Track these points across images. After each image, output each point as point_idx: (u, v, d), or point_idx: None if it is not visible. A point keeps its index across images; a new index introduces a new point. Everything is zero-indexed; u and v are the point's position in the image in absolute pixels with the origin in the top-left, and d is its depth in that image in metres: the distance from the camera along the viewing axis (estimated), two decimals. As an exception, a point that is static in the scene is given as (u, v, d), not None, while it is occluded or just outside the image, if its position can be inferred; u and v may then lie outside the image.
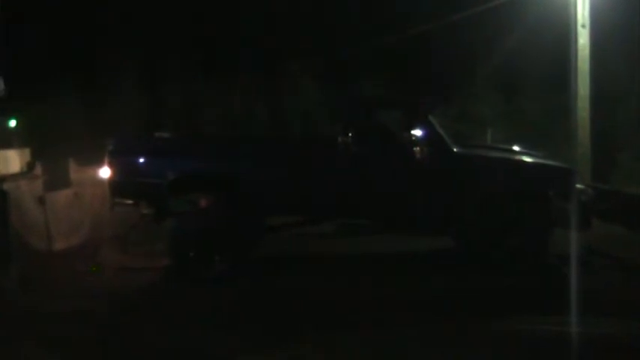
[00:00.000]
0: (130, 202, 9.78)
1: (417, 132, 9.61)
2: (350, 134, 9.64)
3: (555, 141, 16.22)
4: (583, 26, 14.41)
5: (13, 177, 10.30)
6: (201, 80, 17.74)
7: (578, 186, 9.92)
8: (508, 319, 7.43)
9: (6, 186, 9.73)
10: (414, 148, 9.43)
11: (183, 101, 17.68)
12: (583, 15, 14.41)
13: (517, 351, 6.52)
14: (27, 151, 11.11)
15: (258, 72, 17.78)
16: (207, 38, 17.67)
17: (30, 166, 10.82)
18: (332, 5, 18.07)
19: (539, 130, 16.78)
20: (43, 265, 9.57)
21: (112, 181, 9.51)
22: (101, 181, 10.13)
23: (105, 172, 9.60)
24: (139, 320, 7.54)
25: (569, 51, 14.34)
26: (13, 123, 14.09)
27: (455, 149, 9.60)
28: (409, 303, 8.17)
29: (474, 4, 15.45)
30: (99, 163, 9.95)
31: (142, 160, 9.51)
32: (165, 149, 9.77)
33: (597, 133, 15.02)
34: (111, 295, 8.56)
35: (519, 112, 17.04)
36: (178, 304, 8.25)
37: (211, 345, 6.82)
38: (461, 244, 10.05)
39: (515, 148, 11.21)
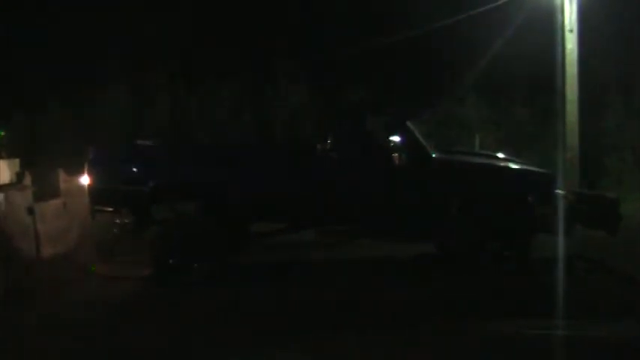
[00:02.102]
0: (110, 209, 9.83)
1: (396, 138, 9.68)
2: (329, 141, 9.65)
3: (544, 145, 16.26)
4: (570, 31, 14.47)
5: (3, 187, 10.27)
6: (189, 86, 17.68)
7: (560, 191, 10.02)
8: (499, 321, 7.50)
9: (-5, 197, 9.74)
10: (393, 155, 9.48)
11: (172, 108, 17.64)
12: (570, 20, 14.48)
13: (514, 352, 6.59)
14: (16, 162, 11.07)
15: (247, 77, 17.73)
16: (195, 43, 17.61)
17: (19, 177, 10.79)
18: (318, 9, 18.06)
19: (528, 134, 16.83)
20: (31, 274, 9.56)
21: (91, 189, 9.54)
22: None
23: (85, 180, 9.63)
24: (128, 329, 7.50)
25: (557, 56, 14.41)
26: (1, 133, 14.04)
27: (434, 155, 9.65)
28: (402, 305, 8.23)
29: (462, 8, 15.51)
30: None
31: (121, 168, 9.56)
32: (144, 158, 9.80)
33: (586, 137, 15.06)
34: (98, 303, 8.57)
35: (507, 117, 17.08)
36: (169, 309, 8.28)
37: (209, 347, 6.87)
38: (442, 248, 10.09)
39: (499, 154, 11.31)
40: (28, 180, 10.66)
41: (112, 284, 9.42)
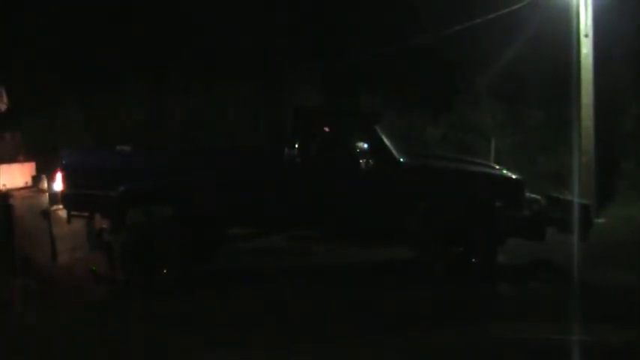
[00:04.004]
0: (85, 214, 9.97)
1: (363, 143, 9.69)
2: (296, 145, 9.69)
3: (560, 149, 16.19)
4: (586, 36, 14.45)
5: (19, 191, 10.38)
6: (201, 92, 17.71)
7: (534, 196, 10.05)
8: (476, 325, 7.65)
9: (11, 200, 9.83)
10: (360, 159, 9.53)
11: (183, 113, 17.70)
12: (586, 24, 14.45)
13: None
14: (32, 165, 11.16)
15: (252, 82, 17.73)
16: (204, 47, 17.62)
17: (35, 180, 10.87)
18: (328, 16, 18.07)
19: (543, 138, 16.77)
20: (46, 278, 9.66)
21: (65, 194, 9.63)
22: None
23: (58, 185, 9.69)
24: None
25: (572, 60, 14.38)
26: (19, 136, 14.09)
27: (401, 159, 9.67)
28: (390, 308, 8.35)
29: (477, 13, 15.49)
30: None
31: (92, 173, 9.63)
32: (115, 162, 9.90)
33: (602, 141, 15.02)
34: (107, 308, 8.74)
35: (522, 121, 17.01)
36: (169, 314, 8.38)
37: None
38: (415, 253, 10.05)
39: (476, 160, 11.46)
40: (44, 183, 10.74)
41: (116, 289, 9.49)
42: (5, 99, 11.00)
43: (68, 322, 7.99)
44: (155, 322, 7.95)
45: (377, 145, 9.63)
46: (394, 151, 9.67)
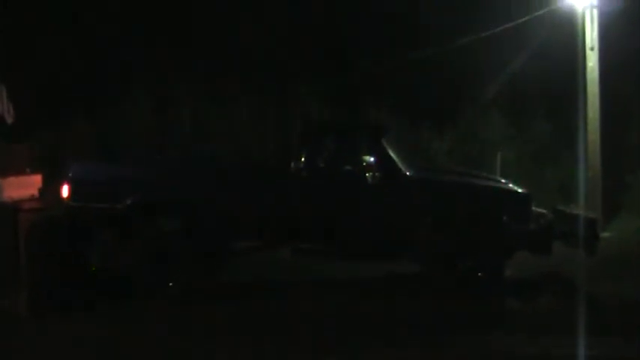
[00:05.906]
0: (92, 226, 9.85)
1: (370, 156, 9.67)
2: (302, 159, 9.71)
3: (566, 163, 16.17)
4: (592, 49, 14.47)
5: (25, 202, 10.38)
6: (208, 101, 17.72)
7: (540, 210, 10.03)
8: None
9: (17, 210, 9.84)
10: (367, 173, 9.52)
11: (190, 123, 17.72)
12: (592, 37, 14.48)
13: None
14: (39, 177, 11.19)
15: (259, 92, 17.74)
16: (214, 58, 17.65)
17: (42, 192, 10.89)
18: (335, 27, 18.13)
19: (550, 151, 16.77)
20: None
21: (72, 206, 9.59)
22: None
23: (64, 196, 9.67)
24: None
25: (578, 73, 14.40)
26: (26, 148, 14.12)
27: (408, 173, 9.67)
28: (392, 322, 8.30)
29: (483, 26, 15.53)
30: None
31: (100, 185, 9.61)
32: (120, 175, 9.87)
33: (608, 155, 15.00)
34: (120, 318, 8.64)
35: (529, 134, 17.01)
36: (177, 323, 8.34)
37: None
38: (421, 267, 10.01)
39: (484, 174, 11.47)
40: (51, 195, 10.75)
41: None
42: (12, 111, 11.04)
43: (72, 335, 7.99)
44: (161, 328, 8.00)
45: (383, 158, 9.64)
46: (401, 164, 9.68)
